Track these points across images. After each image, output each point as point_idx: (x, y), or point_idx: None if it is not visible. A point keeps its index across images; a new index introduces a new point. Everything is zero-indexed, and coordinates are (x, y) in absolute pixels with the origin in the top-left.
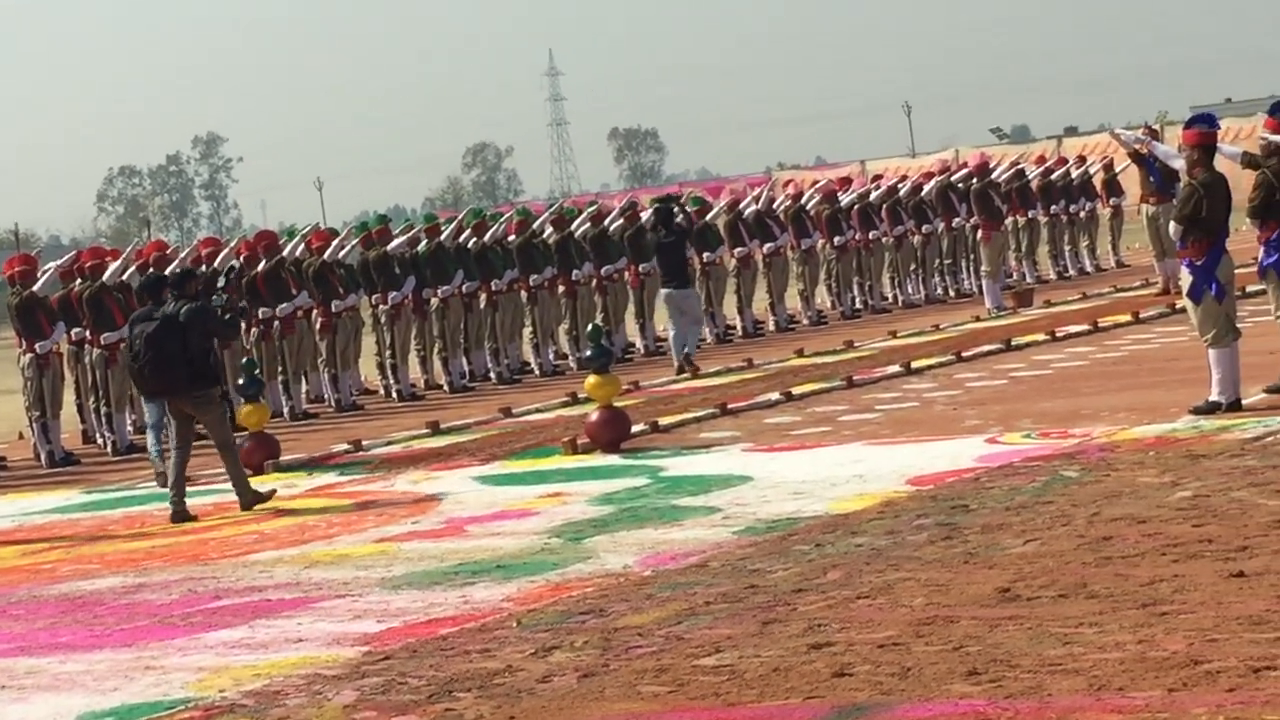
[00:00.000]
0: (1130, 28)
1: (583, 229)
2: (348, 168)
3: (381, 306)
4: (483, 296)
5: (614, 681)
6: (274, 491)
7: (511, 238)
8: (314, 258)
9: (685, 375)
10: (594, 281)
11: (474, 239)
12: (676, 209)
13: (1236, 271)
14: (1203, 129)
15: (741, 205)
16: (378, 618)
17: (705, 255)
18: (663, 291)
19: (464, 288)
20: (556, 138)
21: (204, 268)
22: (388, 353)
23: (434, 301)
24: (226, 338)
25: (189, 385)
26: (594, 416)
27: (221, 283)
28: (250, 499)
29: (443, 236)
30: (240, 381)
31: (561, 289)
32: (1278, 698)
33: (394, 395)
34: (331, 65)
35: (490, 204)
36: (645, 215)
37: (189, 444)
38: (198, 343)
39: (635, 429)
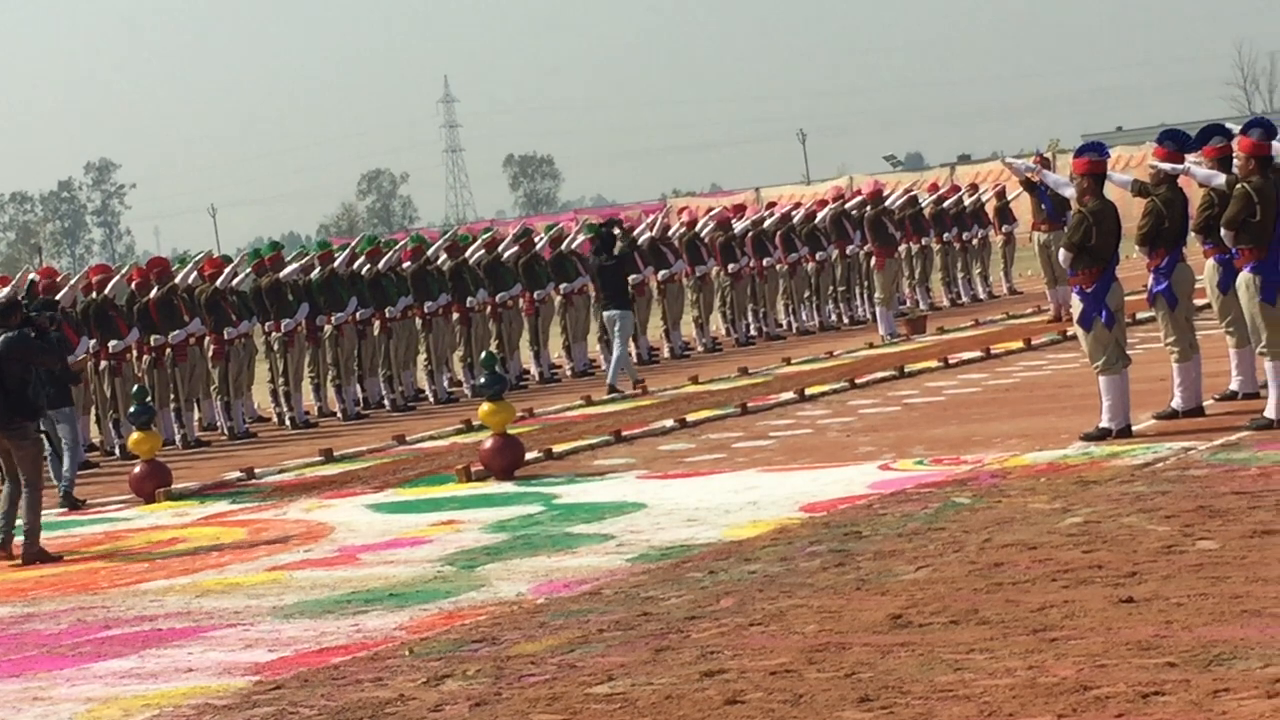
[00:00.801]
0: (1023, 57)
1: (477, 256)
2: (242, 195)
3: (275, 334)
4: (377, 324)
5: (506, 710)
6: (61, 558)
7: (406, 264)
8: (207, 285)
9: (620, 394)
10: (488, 309)
11: (368, 266)
12: (618, 232)
13: (1126, 299)
14: (1093, 157)
15: (636, 232)
16: (269, 647)
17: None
18: (605, 313)
19: (358, 315)
20: (452, 165)
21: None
22: (281, 380)
23: (328, 328)
24: (49, 364)
25: (4, 418)
26: (488, 444)
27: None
28: (33, 552)
29: (336, 263)
30: (131, 409)
31: (456, 316)
32: None
33: (287, 423)
34: (226, 91)
35: (385, 231)
36: (574, 239)
37: (16, 479)
38: (17, 374)
39: (529, 456)
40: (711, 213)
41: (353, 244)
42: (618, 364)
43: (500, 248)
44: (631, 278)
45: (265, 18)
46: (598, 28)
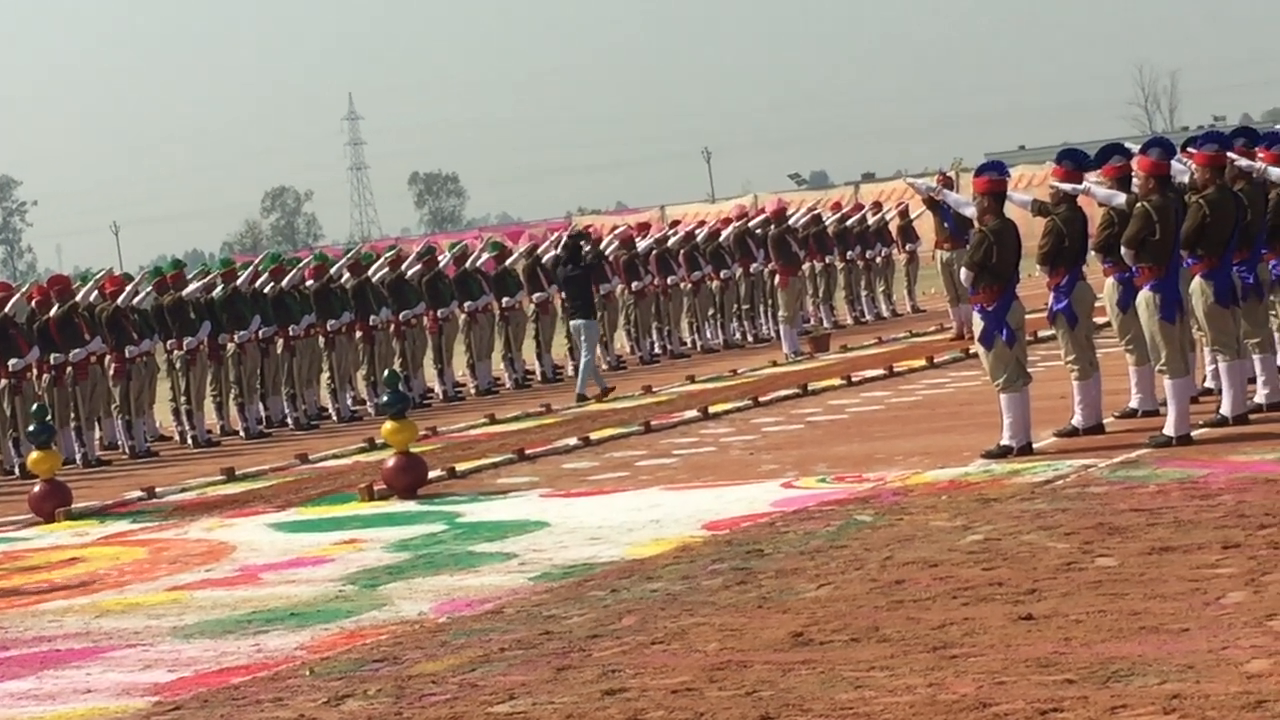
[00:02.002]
0: (926, 76)
1: (381, 274)
2: (145, 212)
3: (176, 352)
4: (280, 341)
5: None
6: None
7: (309, 282)
8: (108, 303)
9: (588, 401)
10: (392, 327)
11: (271, 284)
12: (584, 244)
13: (1027, 317)
14: (993, 176)
15: (540, 250)
16: (169, 667)
17: (505, 300)
18: (571, 322)
19: (260, 333)
20: (356, 182)
21: None
22: (183, 398)
23: (230, 347)
24: None
25: None
26: (391, 462)
27: None
28: None
29: (239, 281)
30: (31, 428)
31: (359, 334)
32: None
33: (189, 441)
34: (129, 109)
35: (289, 248)
36: (544, 249)
37: None
38: None
39: (432, 475)
40: (616, 231)
41: (256, 262)
42: (585, 371)
43: (404, 265)
44: (534, 296)
45: (168, 34)
46: (502, 45)
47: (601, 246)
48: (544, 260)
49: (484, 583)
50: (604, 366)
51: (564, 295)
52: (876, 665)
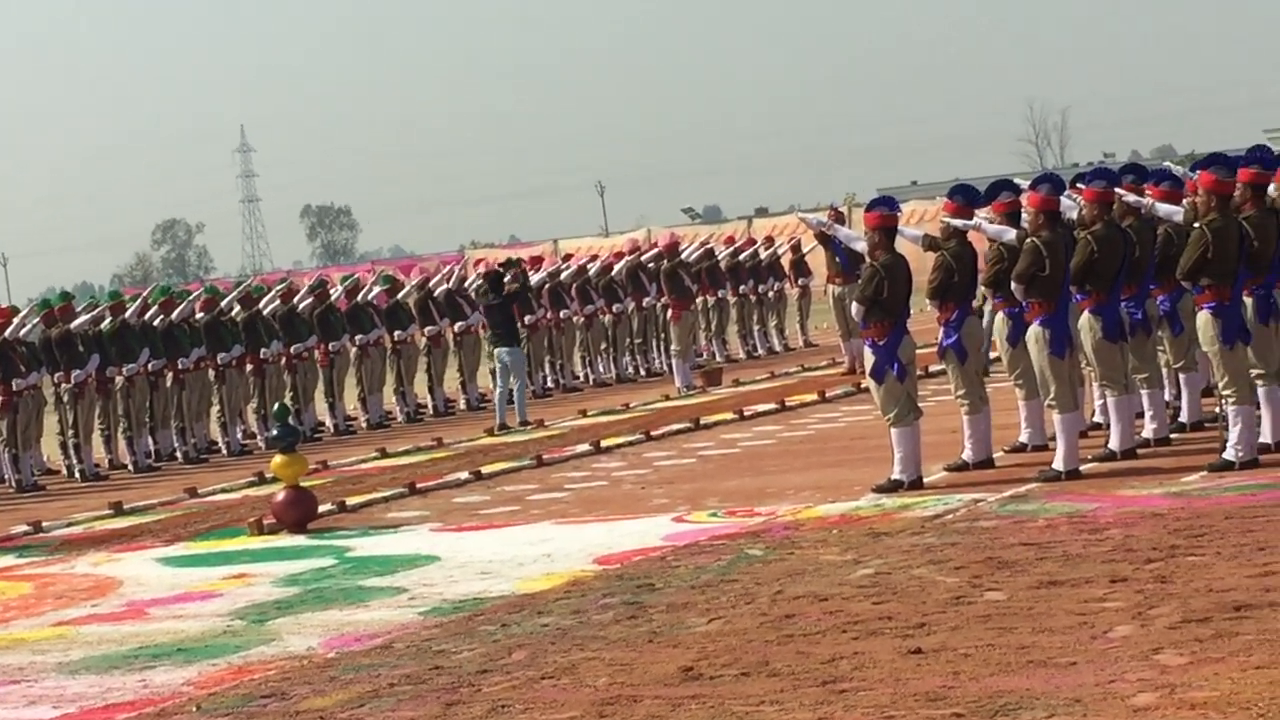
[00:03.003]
0: (818, 111)
1: (272, 307)
2: (34, 245)
3: (64, 385)
4: (169, 375)
5: None
6: None
7: (199, 315)
8: None
9: (506, 431)
10: (283, 360)
11: (161, 316)
12: (508, 273)
13: (918, 352)
14: (884, 211)
15: (433, 283)
16: (54, 703)
17: (397, 334)
18: (495, 351)
19: (150, 366)
20: (248, 214)
21: None
22: (70, 432)
23: (119, 380)
24: None
25: None
26: (280, 496)
27: None
28: None
29: (128, 314)
30: None
31: (250, 367)
32: None
33: (76, 475)
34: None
35: (180, 281)
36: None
37: None
38: None
39: (322, 509)
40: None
41: (145, 294)
42: (502, 401)
43: (296, 299)
44: (427, 329)
45: (57, 63)
46: (396, 78)
47: (472, 283)
48: (436, 294)
49: (373, 617)
50: (462, 405)
51: (487, 324)
52: (766, 699)
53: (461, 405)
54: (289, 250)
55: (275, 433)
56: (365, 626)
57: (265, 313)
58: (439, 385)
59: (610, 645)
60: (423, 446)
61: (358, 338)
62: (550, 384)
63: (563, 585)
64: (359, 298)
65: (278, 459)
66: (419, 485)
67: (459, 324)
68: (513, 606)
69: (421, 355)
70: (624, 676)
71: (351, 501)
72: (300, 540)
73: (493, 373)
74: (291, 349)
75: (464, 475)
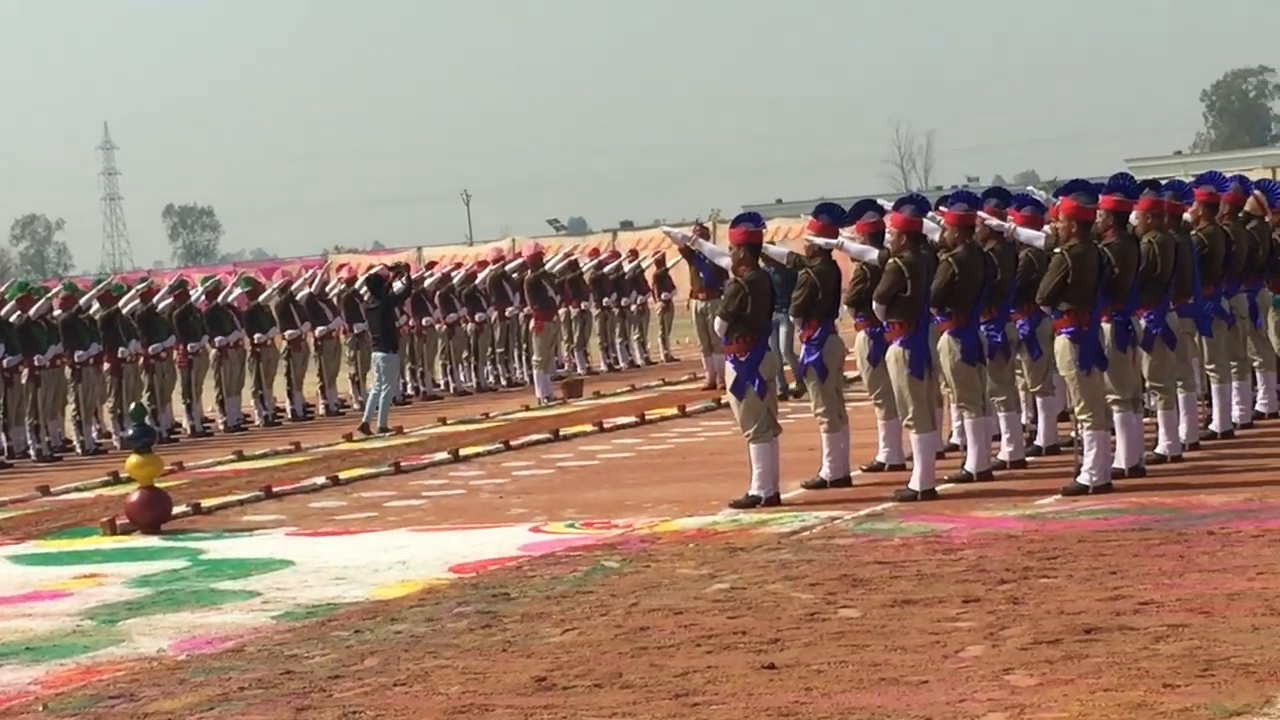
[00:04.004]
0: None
1: (131, 306)
2: None
3: None
4: (24, 371)
5: None
6: None
7: (57, 312)
8: None
9: (367, 434)
10: (140, 359)
11: (18, 313)
12: (398, 278)
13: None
14: (749, 228)
15: (294, 287)
16: None
17: (256, 336)
18: (374, 354)
19: (5, 362)
20: (109, 212)
21: None
22: None
23: None
24: None
25: None
26: (134, 497)
27: None
28: None
29: None
30: None
31: (107, 366)
32: None
33: None
34: None
35: (38, 277)
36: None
37: None
38: None
39: (177, 510)
40: (371, 270)
41: (2, 290)
42: (373, 403)
43: (155, 298)
44: (288, 333)
45: None
46: (262, 80)
47: (357, 286)
48: (298, 298)
49: (225, 620)
50: (355, 407)
51: (368, 328)
52: (619, 711)
53: (320, 410)
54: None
55: (131, 432)
56: (217, 629)
57: (124, 311)
58: (298, 389)
59: (463, 654)
60: (280, 450)
61: (217, 339)
62: (410, 391)
63: (417, 593)
64: (219, 299)
65: (133, 459)
66: (275, 489)
67: (320, 328)
68: (366, 613)
69: (281, 359)
70: (476, 685)
71: (206, 504)
72: (153, 541)
73: (353, 378)
74: (150, 349)
75: (321, 480)
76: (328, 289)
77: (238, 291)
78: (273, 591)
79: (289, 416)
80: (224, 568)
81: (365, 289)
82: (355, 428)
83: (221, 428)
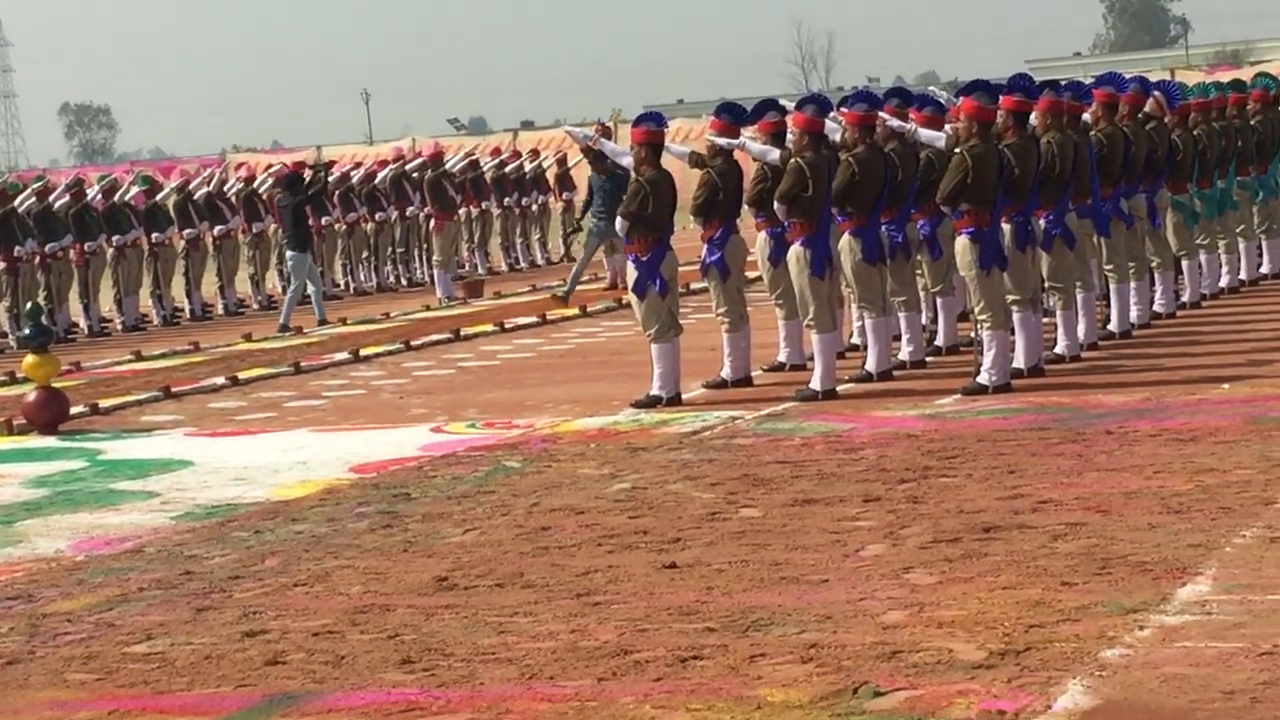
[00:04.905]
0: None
1: (27, 204)
2: None
3: None
4: None
5: (40, 669)
6: None
7: None
8: None
9: (286, 332)
10: (37, 259)
11: None
12: (313, 175)
13: (681, 268)
14: (650, 127)
15: (192, 186)
16: None
17: (154, 236)
18: (288, 253)
19: None
20: (4, 110)
21: None
22: None
23: None
24: None
25: None
26: (31, 397)
27: None
28: None
29: None
30: None
31: (2, 265)
32: (702, 686)
33: None
34: None
35: None
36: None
37: None
38: None
39: (74, 410)
40: (271, 169)
41: None
42: (292, 301)
43: (51, 197)
44: (185, 232)
45: None
46: None
47: (256, 185)
48: (196, 197)
49: (124, 521)
50: (254, 307)
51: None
52: (520, 611)
53: (219, 310)
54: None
55: (27, 332)
56: (115, 530)
57: (20, 210)
58: (196, 289)
59: (364, 554)
60: (178, 350)
61: (114, 238)
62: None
63: (318, 493)
64: (116, 198)
65: (29, 359)
66: (174, 389)
67: (218, 228)
68: (267, 513)
69: (179, 258)
70: (377, 585)
71: (104, 404)
72: (51, 442)
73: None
74: (46, 248)
75: (220, 380)
76: (226, 188)
77: (135, 190)
78: (172, 492)
79: (187, 316)
80: (122, 468)
81: (280, 187)
82: (250, 330)
83: (119, 327)
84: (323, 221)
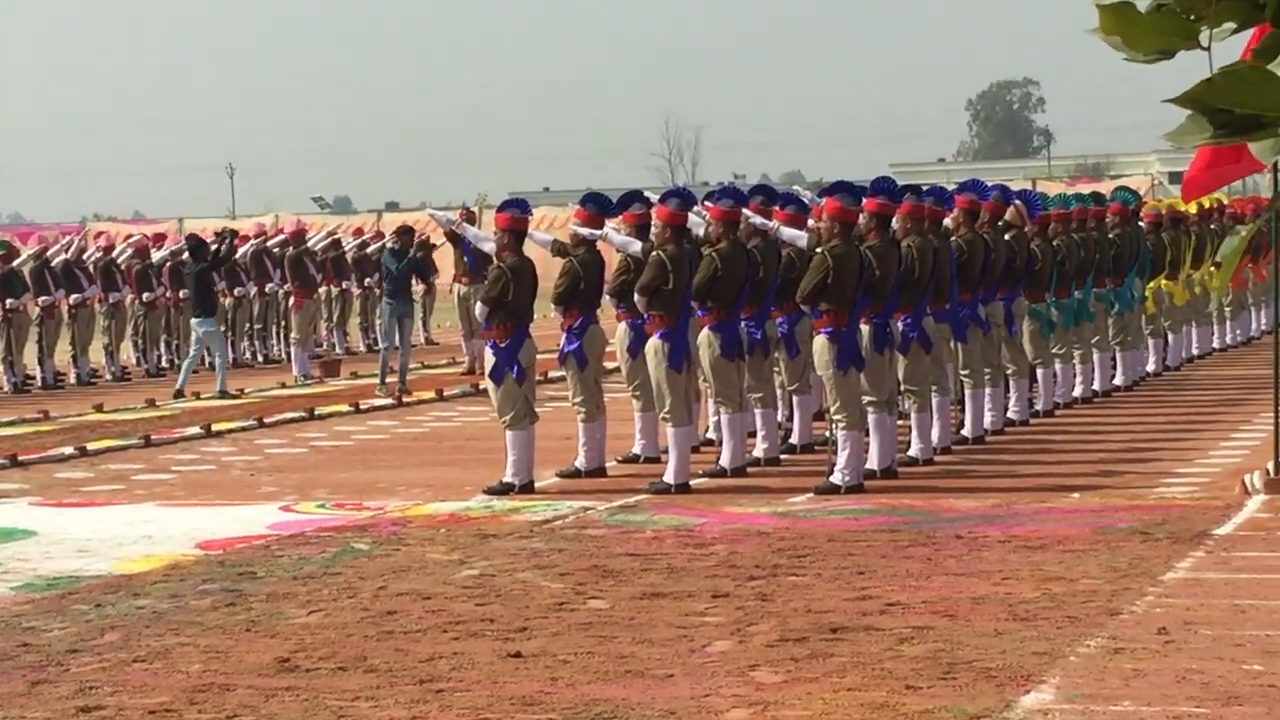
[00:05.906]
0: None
1: None
2: None
3: None
4: None
5: None
6: None
7: None
8: None
9: (181, 397)
10: None
11: None
12: (222, 244)
13: (539, 356)
14: (515, 214)
15: (50, 253)
16: None
17: (9, 302)
18: (192, 320)
19: None
20: None
21: None
22: None
23: None
24: None
25: None
26: None
27: None
28: None
29: None
30: None
31: None
32: None
33: None
34: None
35: None
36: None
37: None
38: None
39: None
40: (130, 239)
41: None
42: (189, 367)
43: None
44: (40, 299)
45: None
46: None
47: (115, 254)
48: (54, 264)
49: None
50: (107, 377)
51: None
52: (362, 695)
53: (71, 379)
54: None
55: None
56: None
57: None
58: (49, 357)
59: (206, 632)
60: (28, 418)
61: None
62: (165, 364)
63: (162, 568)
64: None
65: None
66: (21, 457)
67: (75, 296)
68: (108, 587)
69: (33, 325)
70: (218, 664)
71: None
72: None
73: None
74: None
75: (69, 450)
76: (85, 256)
77: None
78: (13, 562)
79: (39, 384)
80: None
81: (185, 253)
82: (102, 401)
83: None
84: (165, 295)
